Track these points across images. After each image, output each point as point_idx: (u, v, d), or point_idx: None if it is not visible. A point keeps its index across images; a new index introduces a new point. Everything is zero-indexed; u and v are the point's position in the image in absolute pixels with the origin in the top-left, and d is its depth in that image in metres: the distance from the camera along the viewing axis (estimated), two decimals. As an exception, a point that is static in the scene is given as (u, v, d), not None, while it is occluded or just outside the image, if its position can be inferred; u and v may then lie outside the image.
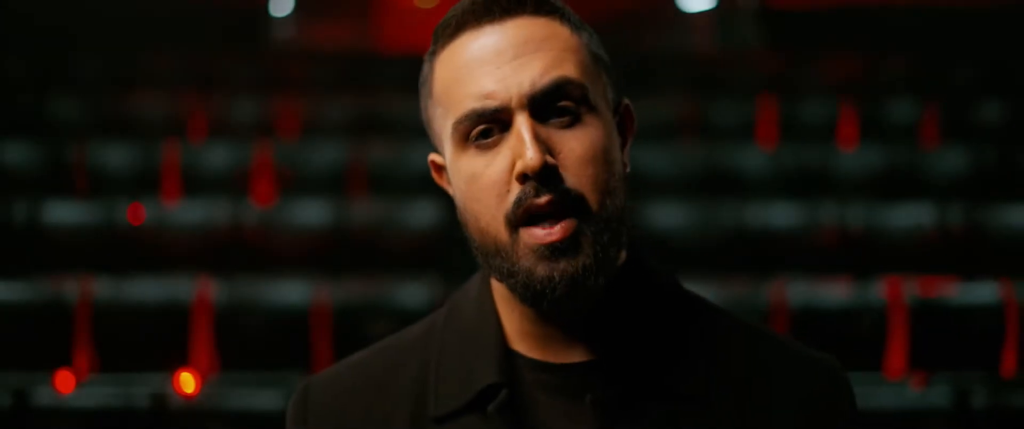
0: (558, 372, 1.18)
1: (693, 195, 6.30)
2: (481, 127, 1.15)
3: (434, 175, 1.29)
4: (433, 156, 1.27)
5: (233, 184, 6.35)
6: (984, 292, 5.09)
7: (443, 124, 1.19)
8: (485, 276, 1.24)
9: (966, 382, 4.42)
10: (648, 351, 1.19)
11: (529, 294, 1.13)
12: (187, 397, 4.27)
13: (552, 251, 1.11)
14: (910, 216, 5.88)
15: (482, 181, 1.14)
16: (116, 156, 6.48)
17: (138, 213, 5.71)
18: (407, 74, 7.57)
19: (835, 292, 5.14)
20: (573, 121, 1.15)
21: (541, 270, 1.11)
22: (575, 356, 1.19)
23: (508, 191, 1.13)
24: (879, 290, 5.08)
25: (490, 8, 1.17)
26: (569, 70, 1.14)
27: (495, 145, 1.15)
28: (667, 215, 5.93)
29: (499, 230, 1.13)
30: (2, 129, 6.90)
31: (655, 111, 7.41)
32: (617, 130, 1.21)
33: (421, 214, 5.87)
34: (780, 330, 4.95)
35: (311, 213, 5.85)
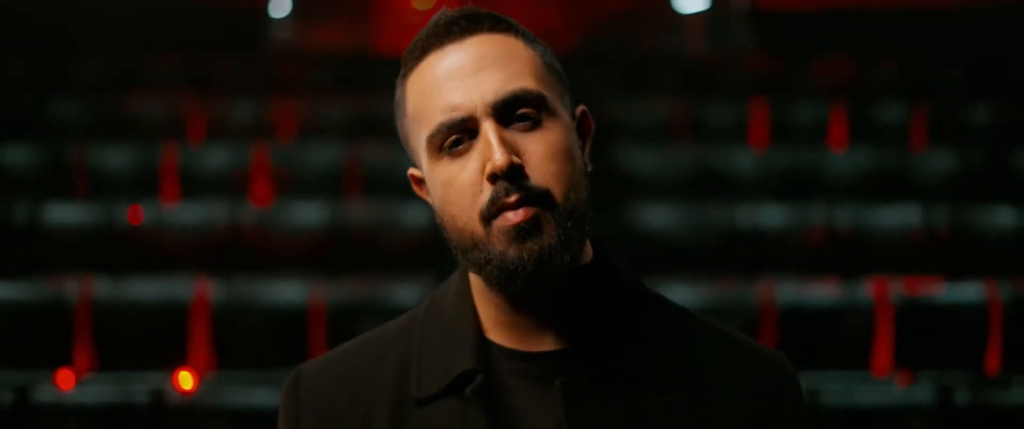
0: (529, 359, 1.28)
1: (685, 195, 6.37)
2: (452, 137, 1.25)
3: (414, 188, 1.38)
4: (412, 170, 1.37)
5: (231, 185, 6.39)
6: (969, 292, 5.15)
7: (418, 139, 1.29)
8: (463, 274, 1.35)
9: (950, 380, 4.48)
10: (612, 341, 1.28)
11: (504, 276, 1.23)
12: (185, 394, 4.32)
13: (519, 232, 1.21)
14: (898, 217, 5.94)
15: (456, 185, 1.24)
16: (116, 157, 6.52)
17: (137, 214, 5.76)
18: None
19: (823, 292, 5.20)
20: (534, 125, 1.25)
21: (512, 251, 1.21)
22: (545, 345, 1.29)
23: (481, 191, 1.23)
24: (866, 290, 5.14)
25: (450, 29, 1.28)
26: (526, 81, 1.25)
27: (466, 152, 1.25)
28: (659, 215, 5.99)
29: (475, 226, 1.23)
30: (3, 130, 6.94)
31: (648, 112, 7.48)
32: (577, 133, 1.30)
33: (416, 215, 5.92)
34: (769, 329, 5.02)
35: (308, 214, 5.90)
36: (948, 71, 8.40)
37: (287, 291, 5.11)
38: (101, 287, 4.99)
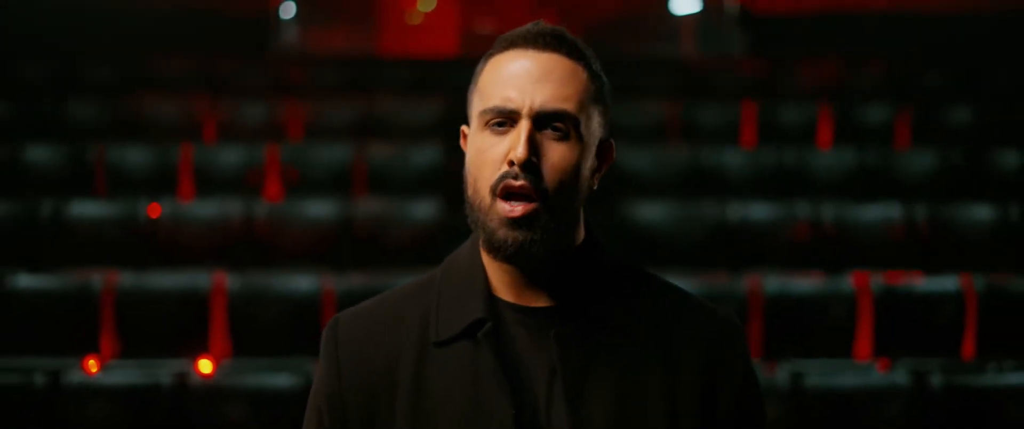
0: (529, 313, 1.53)
1: (677, 192, 6.55)
2: (498, 119, 1.49)
3: (461, 140, 1.60)
4: (464, 127, 1.60)
5: (244, 182, 6.54)
6: (947, 283, 5.32)
7: (476, 107, 1.53)
8: (474, 242, 1.58)
9: (927, 366, 4.65)
10: (596, 300, 1.54)
11: (490, 247, 1.50)
12: (205, 378, 4.49)
13: (512, 223, 1.47)
14: (879, 213, 6.09)
15: (486, 155, 1.49)
16: (134, 156, 6.68)
17: (156, 210, 5.92)
18: (407, 78, 7.78)
19: (808, 283, 5.36)
20: (561, 138, 1.49)
21: (501, 233, 1.48)
22: (542, 302, 1.53)
23: (499, 168, 1.48)
24: (848, 282, 5.32)
25: (537, 39, 1.52)
26: (570, 105, 1.49)
27: (503, 133, 1.49)
28: (653, 211, 6.16)
29: (485, 193, 1.48)
30: (26, 131, 7.10)
31: (642, 113, 7.64)
32: (595, 157, 1.53)
33: (420, 211, 6.10)
34: (757, 318, 5.19)
35: (318, 209, 6.06)
36: (930, 74, 8.57)
37: (299, 282, 5.26)
38: (124, 279, 5.16)
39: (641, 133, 7.38)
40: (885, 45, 9.06)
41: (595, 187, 1.55)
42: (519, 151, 1.45)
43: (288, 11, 9.76)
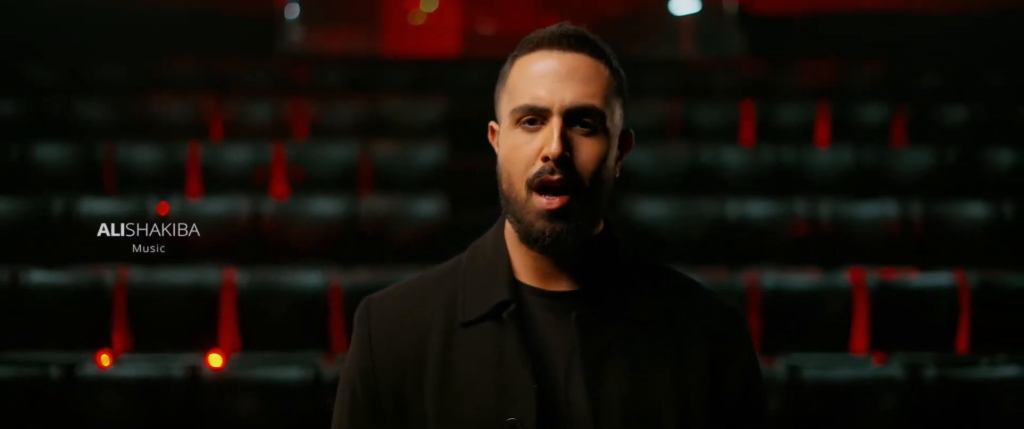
0: (550, 297, 1.63)
1: (678, 190, 6.63)
2: (529, 116, 1.58)
3: (489, 136, 1.69)
4: (492, 123, 1.69)
5: (251, 180, 6.62)
6: (941, 279, 5.40)
7: (505, 106, 1.62)
8: (498, 230, 1.68)
9: (921, 359, 4.73)
10: (613, 287, 1.64)
11: (527, 238, 1.59)
12: (216, 372, 4.58)
13: (550, 215, 1.56)
14: (875, 210, 6.18)
15: (520, 152, 1.58)
16: (142, 155, 6.76)
17: (164, 209, 5.99)
18: (410, 78, 7.84)
19: (805, 279, 5.44)
20: (590, 133, 1.58)
21: (539, 225, 1.56)
22: (563, 287, 1.63)
23: (533, 164, 1.56)
24: (845, 278, 5.40)
25: (561, 40, 1.61)
26: (597, 101, 1.59)
27: (535, 131, 1.58)
28: (654, 208, 6.24)
29: (521, 188, 1.57)
30: (37, 130, 7.19)
31: (643, 112, 7.72)
32: (618, 147, 1.64)
33: (424, 208, 6.18)
34: (754, 313, 5.27)
35: (324, 207, 6.13)
36: (926, 74, 8.66)
37: (307, 278, 5.34)
38: (135, 275, 5.23)
39: (642, 132, 7.44)
40: (882, 45, 9.14)
41: (618, 175, 1.65)
42: (553, 147, 1.54)
43: (293, 12, 9.85)
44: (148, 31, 8.72)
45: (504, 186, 1.60)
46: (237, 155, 6.81)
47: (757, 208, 6.21)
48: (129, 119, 7.46)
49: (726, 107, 7.88)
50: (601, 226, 1.65)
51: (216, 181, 6.64)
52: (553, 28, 1.64)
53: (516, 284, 1.63)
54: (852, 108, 7.83)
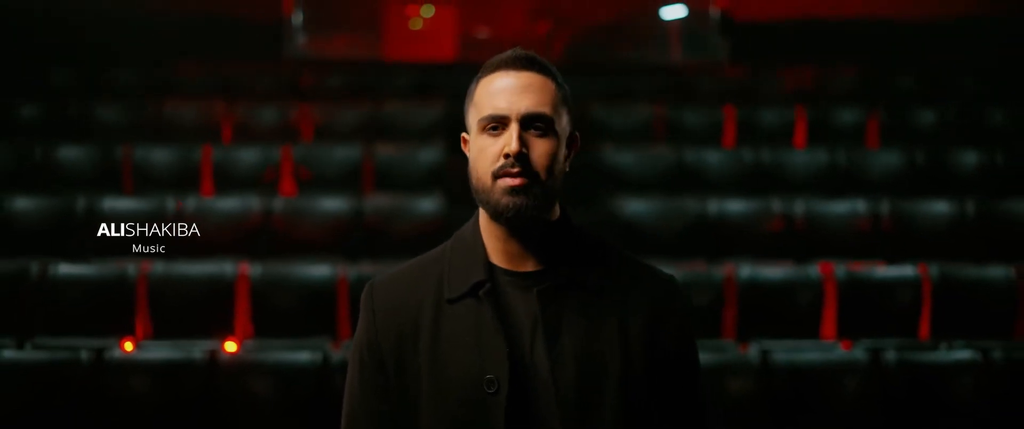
0: (517, 276, 1.96)
1: (662, 189, 6.91)
2: (492, 124, 1.92)
3: (462, 145, 2.02)
4: (463, 134, 2.02)
5: (261, 180, 6.88)
6: (905, 271, 5.68)
7: (473, 118, 1.96)
8: (475, 222, 2.01)
9: (884, 345, 5.02)
10: (568, 264, 1.96)
11: (495, 214, 1.91)
12: (232, 355, 4.86)
13: (512, 190, 1.89)
14: (847, 208, 6.44)
15: (486, 152, 1.92)
16: (158, 156, 7.02)
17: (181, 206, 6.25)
18: (410, 82, 8.06)
19: (778, 271, 5.71)
20: (542, 134, 1.92)
21: (504, 201, 1.89)
22: (528, 267, 1.96)
23: (497, 160, 1.90)
24: (816, 270, 5.68)
25: (515, 62, 1.95)
26: (547, 108, 1.92)
27: (498, 135, 1.91)
28: (639, 206, 6.52)
29: (487, 179, 1.91)
30: (56, 133, 7.45)
31: (630, 115, 7.99)
32: (566, 146, 1.97)
33: (425, 205, 6.46)
34: (731, 303, 5.56)
35: (330, 204, 6.39)
36: (899, 79, 8.93)
37: (315, 270, 5.60)
38: (155, 267, 5.50)
39: (629, 133, 7.74)
40: (859, 51, 9.38)
41: (568, 169, 1.97)
42: (512, 145, 1.87)
43: (298, 19, 10.09)
44: (160, 37, 8.97)
45: (473, 181, 1.93)
46: (247, 156, 7.06)
47: (736, 205, 6.48)
48: (144, 122, 7.72)
49: (710, 110, 8.15)
50: (557, 214, 1.98)
51: (228, 180, 6.90)
52: (509, 53, 1.98)
53: (490, 267, 1.95)
54: (829, 111, 8.09)
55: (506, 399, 1.87)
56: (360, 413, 1.97)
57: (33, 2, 8.98)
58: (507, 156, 1.88)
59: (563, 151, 1.95)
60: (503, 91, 1.92)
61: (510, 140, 1.88)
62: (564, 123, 1.95)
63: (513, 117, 1.90)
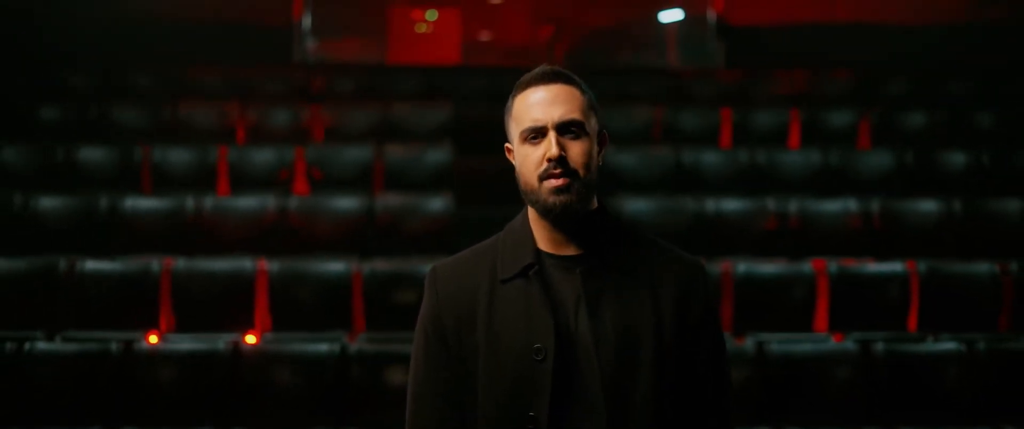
0: (562, 259, 2.19)
1: (661, 188, 7.10)
2: (532, 134, 2.16)
3: (507, 154, 2.25)
4: (507, 144, 2.25)
5: (276, 180, 7.05)
6: (894, 267, 5.86)
7: (514, 130, 2.20)
8: (524, 215, 2.24)
9: (874, 337, 5.21)
10: (607, 248, 2.20)
11: (544, 212, 2.16)
12: (254, 346, 5.05)
13: (556, 190, 2.13)
14: (839, 207, 6.62)
15: (530, 159, 2.16)
16: (176, 157, 7.20)
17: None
18: (416, 85, 8.22)
19: (773, 267, 5.89)
20: (575, 137, 2.15)
21: (551, 200, 2.13)
22: (571, 251, 2.19)
23: (541, 165, 2.14)
24: (809, 266, 5.86)
25: (545, 77, 2.19)
26: (577, 114, 2.16)
27: (537, 143, 2.15)
28: (639, 204, 6.70)
29: (534, 182, 2.15)
30: (77, 134, 7.62)
31: (631, 118, 8.16)
32: (597, 144, 2.20)
33: (434, 204, 6.62)
34: (727, 297, 5.74)
35: (343, 203, 6.57)
36: (891, 82, 9.10)
37: (331, 266, 5.78)
38: (178, 263, 5.69)
39: (630, 135, 7.91)
40: (852, 55, 9.54)
41: (601, 163, 2.20)
42: (553, 150, 2.11)
43: (307, 23, 10.25)
44: (176, 43, 9.14)
45: (522, 184, 2.17)
46: (262, 157, 7.24)
47: (732, 204, 6.66)
48: (162, 124, 7.90)
49: (706, 113, 8.33)
50: (596, 204, 2.20)
51: (243, 180, 7.09)
52: (538, 69, 2.22)
53: (538, 252, 2.19)
54: (822, 114, 8.27)
55: (553, 365, 2.09)
56: (424, 380, 2.19)
57: (54, 9, 9.15)
58: (549, 160, 2.11)
59: (595, 148, 2.18)
60: (537, 104, 2.15)
61: (550, 146, 2.12)
62: (593, 124, 2.18)
63: (549, 126, 2.13)
